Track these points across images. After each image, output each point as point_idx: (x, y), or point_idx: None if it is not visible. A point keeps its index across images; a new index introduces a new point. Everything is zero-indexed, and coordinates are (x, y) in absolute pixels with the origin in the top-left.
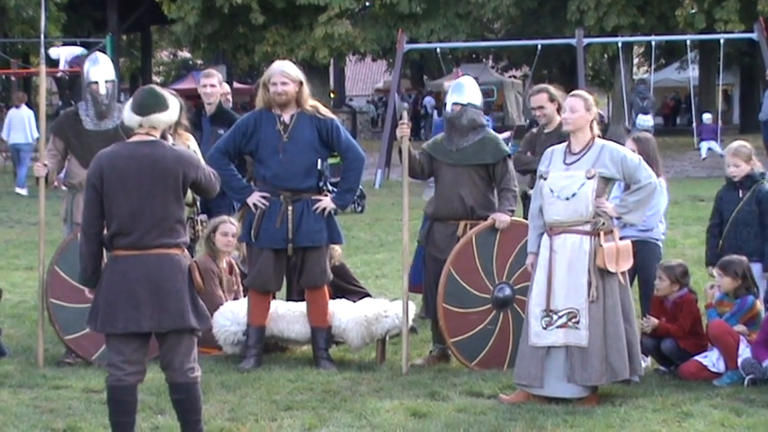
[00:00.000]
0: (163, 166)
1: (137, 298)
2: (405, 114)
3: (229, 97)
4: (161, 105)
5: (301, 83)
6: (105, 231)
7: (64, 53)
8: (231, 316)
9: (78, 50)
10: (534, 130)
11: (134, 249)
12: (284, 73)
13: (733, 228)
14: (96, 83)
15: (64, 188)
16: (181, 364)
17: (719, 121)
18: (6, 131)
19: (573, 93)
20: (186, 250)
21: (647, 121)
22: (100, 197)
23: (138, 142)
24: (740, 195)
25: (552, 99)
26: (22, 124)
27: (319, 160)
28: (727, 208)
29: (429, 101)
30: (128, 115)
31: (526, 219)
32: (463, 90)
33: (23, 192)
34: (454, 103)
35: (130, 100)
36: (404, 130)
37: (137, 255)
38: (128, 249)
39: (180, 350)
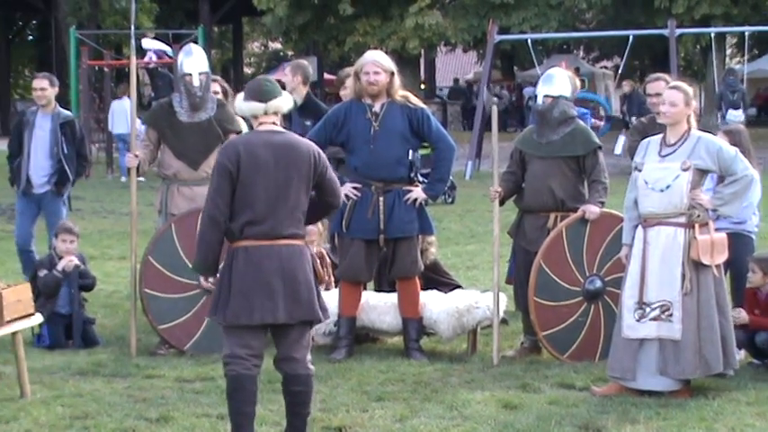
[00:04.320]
0: (298, 154)
1: (272, 289)
2: (494, 108)
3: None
4: (278, 91)
5: (393, 73)
6: (231, 220)
7: (155, 47)
8: None
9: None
10: (644, 119)
11: (266, 239)
12: (377, 62)
13: None
14: (190, 74)
15: (141, 179)
16: (303, 356)
17: None
18: (111, 122)
19: (673, 85)
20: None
21: (737, 116)
22: (234, 185)
23: (269, 131)
24: None
25: None
26: (125, 115)
27: (410, 150)
28: None
29: (528, 91)
30: (247, 105)
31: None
32: (554, 81)
33: (125, 179)
34: (545, 96)
35: (241, 93)
36: (492, 195)
37: (269, 245)
38: (259, 239)
39: (303, 342)
